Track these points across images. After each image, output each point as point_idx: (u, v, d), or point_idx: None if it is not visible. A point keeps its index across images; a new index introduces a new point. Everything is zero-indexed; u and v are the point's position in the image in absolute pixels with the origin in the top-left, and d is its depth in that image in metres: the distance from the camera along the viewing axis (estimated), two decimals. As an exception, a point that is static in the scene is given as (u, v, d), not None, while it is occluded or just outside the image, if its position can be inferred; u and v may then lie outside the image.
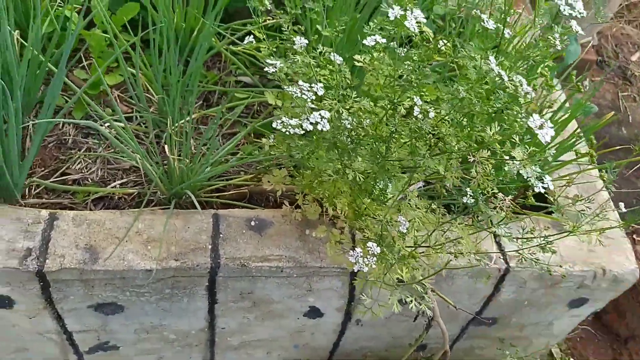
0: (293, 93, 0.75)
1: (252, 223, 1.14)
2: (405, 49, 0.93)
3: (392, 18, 0.69)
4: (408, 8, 0.68)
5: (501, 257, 1.19)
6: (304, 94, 0.75)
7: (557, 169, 1.29)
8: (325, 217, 1.15)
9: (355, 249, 0.78)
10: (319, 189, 0.97)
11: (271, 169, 1.21)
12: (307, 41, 0.96)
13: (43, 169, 1.25)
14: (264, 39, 1.07)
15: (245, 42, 1.04)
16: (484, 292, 1.25)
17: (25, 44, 1.20)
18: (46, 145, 1.29)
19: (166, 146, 1.13)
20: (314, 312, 1.24)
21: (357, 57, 1.02)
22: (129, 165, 1.29)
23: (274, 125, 0.90)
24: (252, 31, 1.06)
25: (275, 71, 0.82)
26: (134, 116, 1.38)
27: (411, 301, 0.95)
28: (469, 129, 0.75)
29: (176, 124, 1.27)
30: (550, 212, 1.06)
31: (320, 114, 0.73)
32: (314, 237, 1.14)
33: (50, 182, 1.21)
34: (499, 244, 1.20)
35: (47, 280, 1.02)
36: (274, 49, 1.09)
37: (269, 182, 1.16)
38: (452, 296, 1.18)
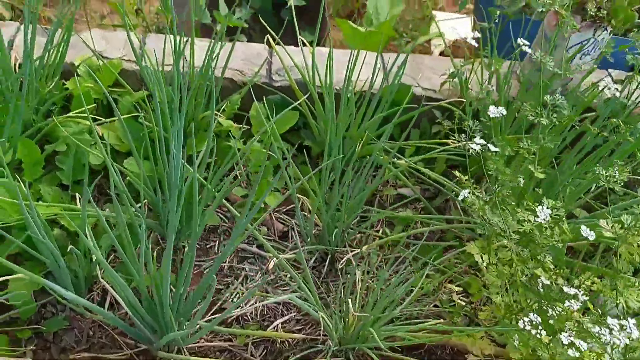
0: (602, 336, 0.58)
1: (445, 397, 0.97)
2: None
3: None
4: None
5: None
6: (616, 337, 0.57)
7: None
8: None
9: None
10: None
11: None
12: (550, 211, 0.79)
13: (199, 300, 1.13)
14: (476, 194, 0.92)
15: (459, 197, 0.89)
16: None
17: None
18: (201, 271, 1.18)
19: (350, 301, 0.98)
20: None
21: (602, 222, 0.84)
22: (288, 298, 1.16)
23: (519, 324, 0.74)
24: (466, 185, 0.90)
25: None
26: (289, 234, 1.26)
27: None
28: None
29: (345, 257, 1.13)
30: None
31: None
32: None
33: (206, 321, 1.09)
34: None
35: None
36: (484, 200, 0.93)
37: (465, 344, 0.99)
38: None
